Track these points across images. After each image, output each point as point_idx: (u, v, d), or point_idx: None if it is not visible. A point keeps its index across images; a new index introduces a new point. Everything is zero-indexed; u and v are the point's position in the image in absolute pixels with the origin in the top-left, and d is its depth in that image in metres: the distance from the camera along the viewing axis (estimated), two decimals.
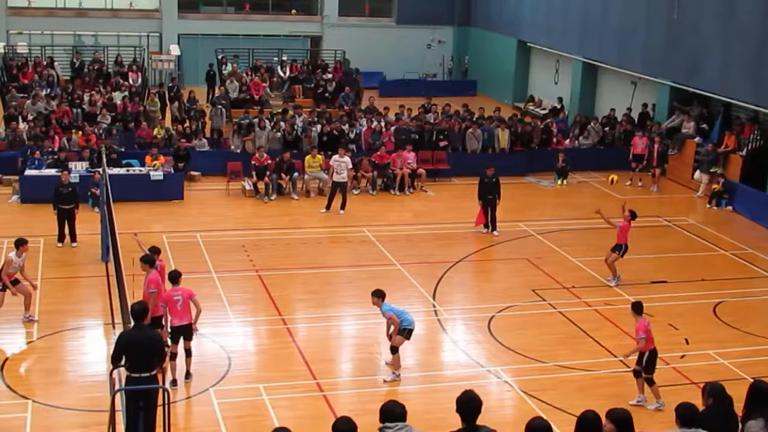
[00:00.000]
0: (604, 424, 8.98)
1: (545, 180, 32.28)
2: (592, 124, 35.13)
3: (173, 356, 16.32)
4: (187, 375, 16.74)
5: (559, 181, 32.16)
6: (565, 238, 25.73)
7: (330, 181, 28.10)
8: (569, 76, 41.47)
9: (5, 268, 18.92)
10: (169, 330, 16.48)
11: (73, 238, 23.92)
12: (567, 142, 34.55)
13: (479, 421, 8.84)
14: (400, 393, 16.44)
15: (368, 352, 18.48)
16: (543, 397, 16.44)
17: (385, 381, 16.96)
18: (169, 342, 16.24)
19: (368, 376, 17.45)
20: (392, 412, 8.98)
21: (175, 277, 16.70)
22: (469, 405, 8.88)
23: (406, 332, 16.95)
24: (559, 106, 40.68)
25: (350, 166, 28.11)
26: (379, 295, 17.00)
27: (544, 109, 42.14)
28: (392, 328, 16.93)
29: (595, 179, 32.57)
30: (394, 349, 17.05)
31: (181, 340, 16.49)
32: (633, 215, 22.10)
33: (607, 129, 35.17)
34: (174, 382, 16.27)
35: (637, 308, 16.39)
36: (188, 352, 16.74)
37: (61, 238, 23.76)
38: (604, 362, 18.09)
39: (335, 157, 28.11)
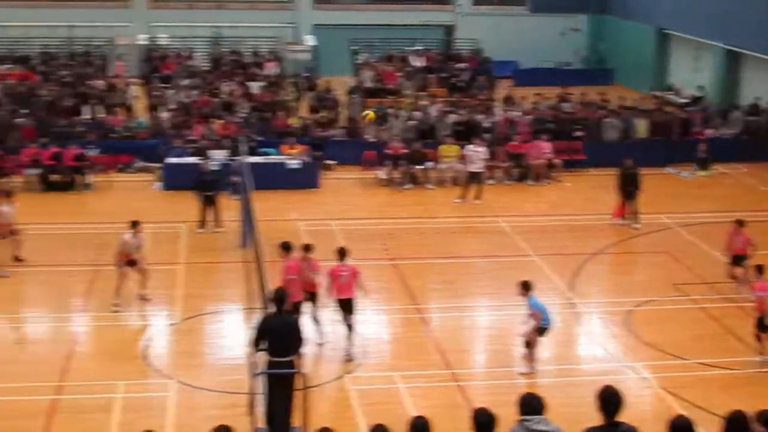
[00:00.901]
0: (753, 427, 8.66)
1: (685, 171, 31.50)
2: (734, 112, 34.14)
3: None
4: (349, 355, 17.26)
5: (700, 172, 31.37)
6: (707, 232, 24.95)
7: (465, 171, 28.03)
8: (710, 64, 40.40)
9: (122, 248, 19.51)
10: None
11: (218, 223, 24.38)
12: (708, 131, 33.63)
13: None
14: (536, 386, 16.29)
15: (503, 343, 18.38)
16: (683, 394, 16.04)
17: (521, 374, 16.80)
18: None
19: (503, 367, 17.36)
20: (531, 404, 8.86)
21: (342, 253, 17.49)
22: (610, 400, 8.63)
23: (542, 330, 16.76)
24: (699, 95, 39.62)
25: (485, 156, 27.98)
26: (526, 287, 16.84)
27: (683, 97, 41.15)
28: (530, 322, 16.75)
29: (738, 170, 31.66)
30: (529, 344, 16.90)
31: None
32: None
33: (751, 118, 34.14)
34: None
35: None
36: (350, 328, 17.23)
37: (202, 224, 24.27)
38: (747, 361, 17.56)
39: (470, 146, 28.03)
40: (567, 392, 16.08)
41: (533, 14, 49.98)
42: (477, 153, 27.62)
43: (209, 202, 24.32)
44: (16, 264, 21.68)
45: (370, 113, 29.39)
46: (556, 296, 20.56)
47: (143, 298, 19.72)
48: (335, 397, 16.02)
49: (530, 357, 16.96)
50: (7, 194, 22.30)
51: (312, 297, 17.65)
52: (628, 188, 25.14)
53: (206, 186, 24.34)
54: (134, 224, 19.72)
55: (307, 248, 17.76)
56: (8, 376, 16.33)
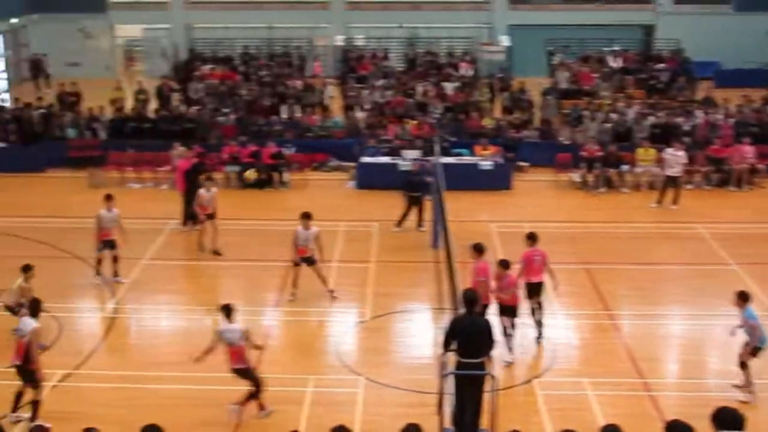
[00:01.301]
0: None
1: None
2: None
3: None
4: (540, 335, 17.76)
5: None
6: None
7: (662, 175, 27.34)
8: None
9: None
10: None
11: (420, 223, 24.53)
12: None
13: None
14: (733, 400, 15.64)
15: (696, 353, 17.83)
16: None
17: (741, 402, 15.30)
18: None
19: (696, 378, 16.81)
20: (728, 418, 8.52)
21: (534, 238, 18.17)
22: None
23: (756, 350, 15.75)
24: None
25: (684, 160, 27.21)
26: (744, 298, 15.88)
27: None
28: (745, 334, 15.91)
29: None
30: (744, 364, 15.97)
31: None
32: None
33: None
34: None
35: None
36: (539, 305, 17.90)
37: (399, 223, 24.45)
38: None
39: (669, 150, 27.32)
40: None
41: (737, 13, 48.34)
42: (676, 157, 26.90)
43: (415, 202, 24.45)
44: (215, 258, 22.48)
45: (249, 175, 29.15)
46: (758, 308, 19.75)
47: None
48: (523, 401, 15.86)
49: (747, 381, 15.93)
50: (209, 179, 23.50)
51: (510, 311, 17.30)
52: None
53: (414, 186, 24.47)
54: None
55: (506, 266, 17.17)
56: (205, 367, 16.86)
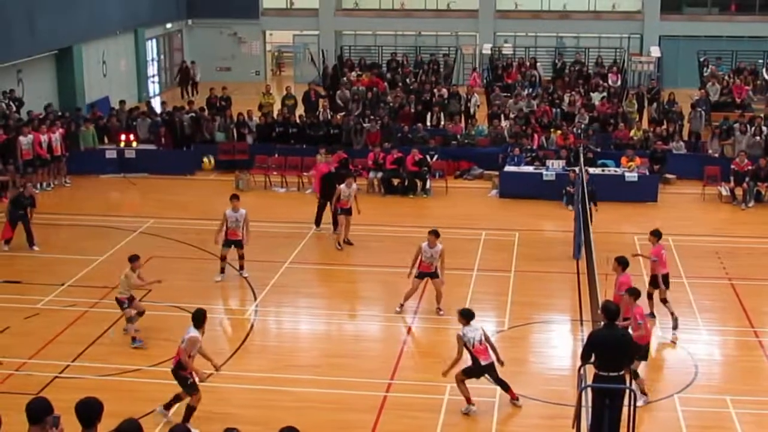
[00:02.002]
0: None
1: None
2: None
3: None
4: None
5: None
6: None
7: None
8: None
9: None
10: None
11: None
12: None
13: None
14: None
15: None
16: None
17: None
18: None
19: None
20: None
21: (658, 234, 19.03)
22: None
23: None
24: None
25: None
26: None
27: None
28: None
29: None
30: None
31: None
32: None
33: None
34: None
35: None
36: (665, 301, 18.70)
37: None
38: None
39: None
40: None
41: None
42: None
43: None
44: (344, 246, 23.60)
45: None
46: None
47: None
48: (663, 416, 15.61)
49: None
50: (354, 177, 24.39)
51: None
52: None
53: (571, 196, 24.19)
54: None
55: (637, 295, 16.46)
56: (345, 369, 17.15)
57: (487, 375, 15.53)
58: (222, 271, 21.45)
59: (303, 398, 16.01)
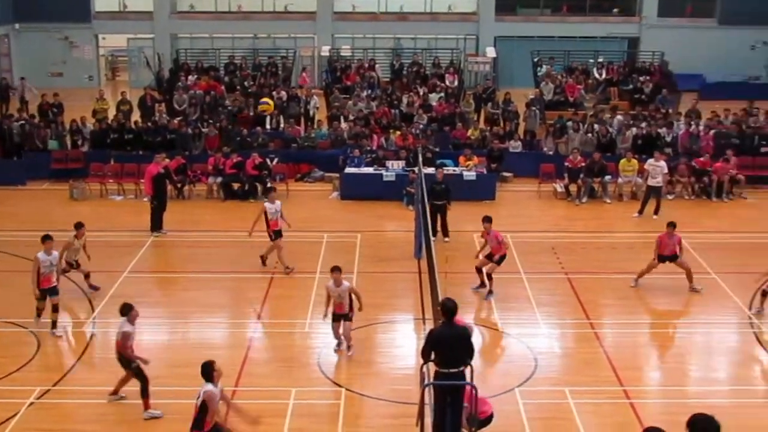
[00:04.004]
0: None
1: None
2: None
3: None
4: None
5: None
6: None
7: (644, 185, 27.46)
8: None
9: (262, 214, 21.85)
10: None
11: (445, 233, 24.42)
12: None
13: None
14: (711, 406, 15.67)
15: (677, 361, 17.90)
16: None
17: None
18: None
19: (677, 386, 16.88)
20: (705, 425, 8.58)
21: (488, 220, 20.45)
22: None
23: None
24: None
25: (665, 170, 27.33)
26: None
27: None
28: None
29: None
30: None
31: None
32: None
33: None
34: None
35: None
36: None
37: (434, 233, 24.29)
38: None
39: (650, 161, 27.46)
40: (745, 414, 15.46)
41: (721, 26, 48.65)
42: (657, 167, 27.01)
43: (437, 211, 24.06)
44: (206, 269, 22.70)
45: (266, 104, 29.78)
46: (735, 316, 19.90)
47: (288, 270, 22.04)
48: (505, 410, 15.80)
49: None
50: (270, 190, 24.06)
51: None
52: None
53: (438, 195, 24.11)
54: (267, 191, 22.94)
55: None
56: (189, 379, 16.82)
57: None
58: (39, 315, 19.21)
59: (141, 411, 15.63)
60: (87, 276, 20.72)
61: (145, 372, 15.33)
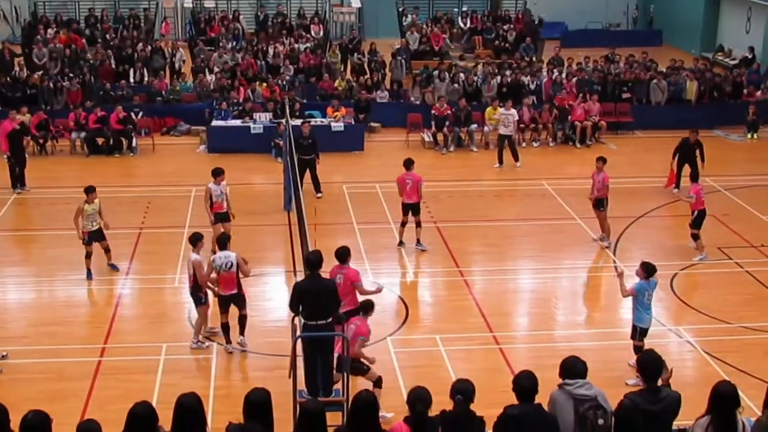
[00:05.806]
0: None
1: (734, 134, 31.06)
2: None
3: None
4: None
5: (750, 135, 30.94)
6: (754, 195, 24.70)
7: (495, 133, 27.94)
8: (763, 25, 39.72)
9: (207, 195, 19.89)
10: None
11: (317, 188, 24.15)
12: (759, 93, 33.09)
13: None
14: (578, 349, 16.10)
15: (545, 306, 18.33)
16: (727, 359, 15.86)
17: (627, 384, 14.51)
18: None
19: (545, 330, 17.32)
20: (573, 368, 8.87)
21: (409, 163, 20.75)
22: (652, 365, 8.72)
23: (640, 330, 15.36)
24: (750, 56, 38.87)
25: (516, 118, 27.80)
26: (644, 269, 15.15)
27: (734, 59, 40.51)
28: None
29: None
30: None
31: None
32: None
33: None
34: None
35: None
36: (418, 224, 20.48)
37: (301, 185, 24.07)
38: None
39: (502, 110, 27.92)
40: (610, 356, 15.93)
41: None
42: (508, 116, 27.43)
43: (306, 166, 23.68)
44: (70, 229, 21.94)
45: None
46: (600, 260, 20.47)
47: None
48: (377, 360, 15.99)
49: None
50: (219, 171, 20.22)
51: None
52: (686, 163, 24.62)
53: (305, 150, 23.73)
54: (216, 173, 19.84)
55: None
56: (56, 337, 16.54)
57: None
58: None
59: (13, 370, 15.32)
60: (107, 251, 19.50)
61: None
